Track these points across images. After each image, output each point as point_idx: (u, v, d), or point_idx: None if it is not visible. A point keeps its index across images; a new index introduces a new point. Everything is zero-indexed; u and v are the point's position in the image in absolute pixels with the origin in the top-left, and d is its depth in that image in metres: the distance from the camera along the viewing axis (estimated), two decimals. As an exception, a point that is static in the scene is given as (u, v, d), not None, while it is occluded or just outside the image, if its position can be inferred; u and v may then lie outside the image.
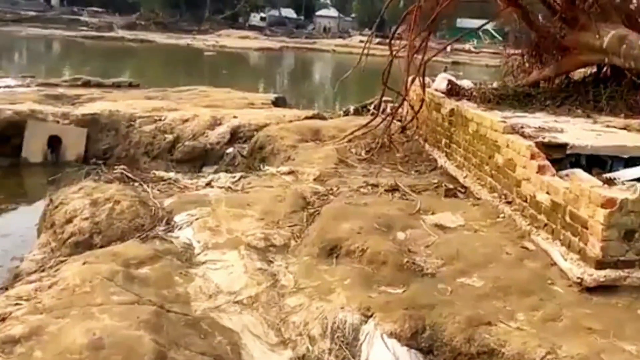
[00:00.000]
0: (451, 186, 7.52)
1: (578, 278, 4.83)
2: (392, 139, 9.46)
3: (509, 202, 6.32)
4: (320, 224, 6.32)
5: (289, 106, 17.44)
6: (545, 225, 5.59)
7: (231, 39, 59.34)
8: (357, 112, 13.54)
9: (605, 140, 6.31)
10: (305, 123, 11.56)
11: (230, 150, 12.09)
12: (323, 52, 57.35)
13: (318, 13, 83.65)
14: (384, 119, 9.86)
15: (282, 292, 5.42)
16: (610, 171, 6.09)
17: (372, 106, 13.49)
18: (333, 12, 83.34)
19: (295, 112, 14.52)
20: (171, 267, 5.66)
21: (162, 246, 6.03)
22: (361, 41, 63.67)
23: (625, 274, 4.78)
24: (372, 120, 10.11)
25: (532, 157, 5.87)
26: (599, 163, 6.27)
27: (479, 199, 6.94)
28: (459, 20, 43.13)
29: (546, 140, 6.25)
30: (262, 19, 77.46)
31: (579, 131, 6.88)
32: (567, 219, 5.22)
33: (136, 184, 7.61)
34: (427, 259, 5.56)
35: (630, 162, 6.10)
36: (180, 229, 6.41)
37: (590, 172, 6.09)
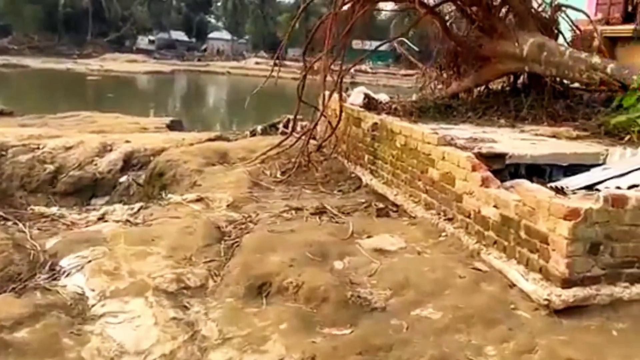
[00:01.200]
0: (381, 205, 6.90)
1: (545, 300, 4.31)
2: (310, 158, 8.73)
3: (449, 219, 5.77)
4: (243, 258, 5.39)
5: (186, 130, 16.35)
6: (495, 242, 5.08)
7: (117, 63, 56.59)
8: (265, 132, 12.71)
9: (543, 149, 5.99)
10: (210, 145, 10.54)
11: (123, 178, 10.74)
12: (217, 74, 56.19)
13: (210, 35, 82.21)
14: (299, 137, 9.12)
15: (204, 346, 4.41)
16: (551, 180, 5.75)
17: (282, 125, 12.76)
18: (226, 34, 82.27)
19: (196, 135, 13.41)
20: (58, 326, 4.46)
21: (44, 299, 4.78)
22: (257, 63, 63.75)
23: (593, 291, 4.32)
24: (285, 139, 9.34)
25: (474, 168, 5.37)
26: (538, 172, 5.92)
27: (414, 217, 6.35)
28: (355, 42, 43.96)
29: (484, 150, 5.79)
30: (151, 41, 74.80)
31: (511, 141, 6.55)
32: (522, 234, 4.72)
33: (9, 222, 6.22)
34: (373, 290, 4.81)
35: (569, 171, 5.80)
36: (68, 275, 5.18)
37: (531, 180, 5.74)
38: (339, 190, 7.97)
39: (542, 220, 4.49)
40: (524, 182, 5.36)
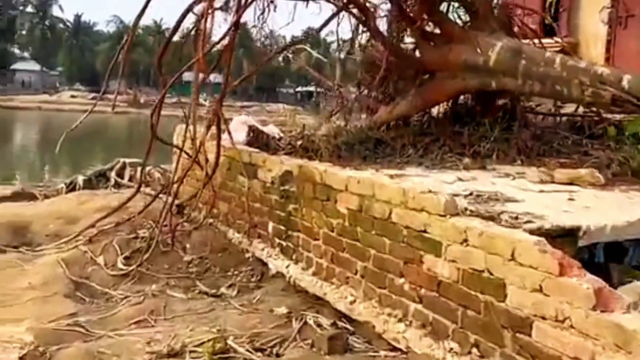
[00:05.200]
0: (326, 321, 3.85)
1: None
2: (173, 228, 5.37)
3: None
4: None
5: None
6: None
7: None
8: (90, 184, 8.82)
9: (621, 215, 3.45)
10: (2, 213, 6.54)
11: None
12: (24, 110, 48.33)
13: (15, 66, 71.66)
14: (155, 196, 5.73)
15: None
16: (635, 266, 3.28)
17: (115, 172, 9.03)
18: (34, 65, 72.42)
19: (-19, 192, 9.05)
20: None
21: None
22: (72, 96, 56.47)
23: None
24: (131, 198, 5.83)
25: (563, 271, 2.64)
26: (615, 252, 3.40)
27: (403, 351, 3.41)
28: (185, 74, 40.13)
29: (547, 225, 3.12)
30: None
31: (533, 198, 3.99)
32: None
33: None
34: None
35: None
36: None
37: (607, 270, 3.22)
38: (231, 287, 4.73)
39: None
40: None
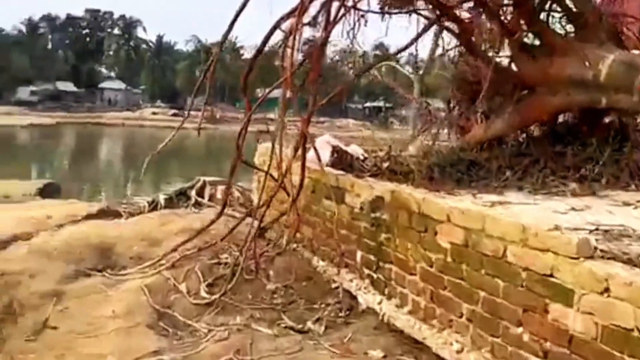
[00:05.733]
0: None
1: None
2: (257, 255, 5.14)
3: None
4: None
5: (64, 195, 12.24)
6: None
7: (-11, 117, 49.90)
8: (171, 203, 8.84)
9: None
10: (85, 233, 6.58)
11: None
12: (110, 126, 50.95)
13: (102, 85, 75.93)
14: (241, 219, 5.55)
15: None
16: None
17: (195, 191, 9.02)
18: (119, 84, 76.42)
19: (70, 208, 9.21)
20: None
21: None
22: (154, 113, 59.00)
23: None
24: (213, 222, 5.68)
25: None
26: None
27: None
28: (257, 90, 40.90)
29: None
30: (33, 92, 67.59)
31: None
32: None
33: None
34: None
35: None
36: None
37: None
38: (318, 322, 4.41)
39: None
40: None
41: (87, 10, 78.33)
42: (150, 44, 78.62)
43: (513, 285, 3.12)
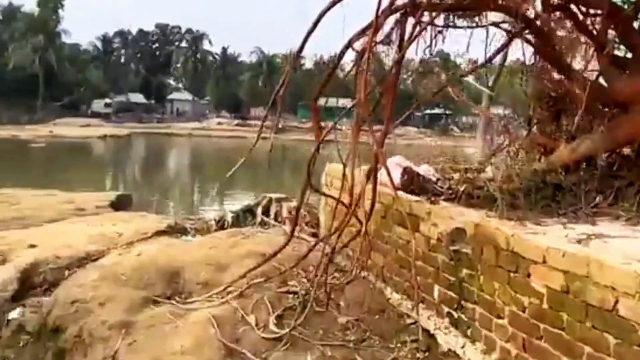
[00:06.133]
0: None
1: None
2: (328, 285, 4.89)
3: None
4: None
5: (135, 207, 12.52)
6: None
7: (69, 128, 52.67)
8: (237, 221, 8.79)
9: None
10: (154, 255, 6.56)
11: (16, 313, 6.60)
12: (178, 136, 52.56)
13: (170, 97, 78.63)
14: (314, 245, 5.33)
15: None
16: None
17: (261, 209, 8.93)
18: (187, 95, 78.88)
19: (140, 222, 9.41)
20: None
21: None
22: (219, 123, 60.39)
23: None
24: (284, 247, 5.48)
25: None
26: None
27: None
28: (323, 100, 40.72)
29: None
30: (107, 105, 70.83)
31: None
32: None
33: None
34: None
35: None
36: None
37: None
38: (394, 362, 4.11)
39: None
40: None
41: (157, 25, 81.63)
42: (216, 56, 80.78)
43: (627, 343, 2.71)
